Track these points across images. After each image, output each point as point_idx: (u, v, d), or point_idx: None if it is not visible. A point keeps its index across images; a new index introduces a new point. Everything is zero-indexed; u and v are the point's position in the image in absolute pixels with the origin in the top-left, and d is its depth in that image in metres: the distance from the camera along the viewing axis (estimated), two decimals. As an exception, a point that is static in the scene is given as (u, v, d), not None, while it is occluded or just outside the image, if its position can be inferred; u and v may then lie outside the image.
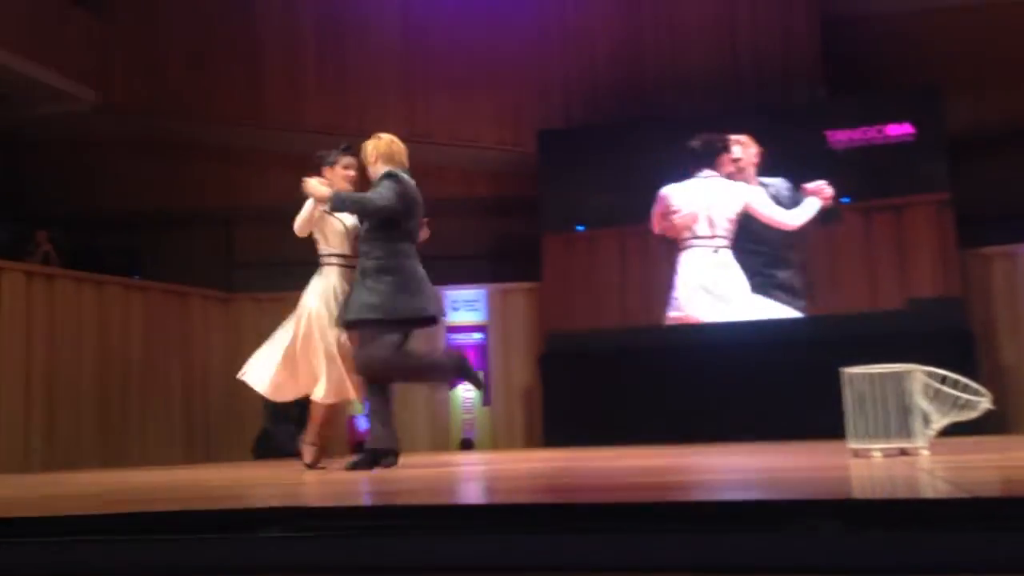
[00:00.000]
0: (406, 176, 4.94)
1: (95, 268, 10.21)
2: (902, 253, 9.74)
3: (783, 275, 9.72)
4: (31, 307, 8.98)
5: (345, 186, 5.14)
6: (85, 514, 2.01)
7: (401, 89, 11.58)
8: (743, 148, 9.77)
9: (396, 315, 4.72)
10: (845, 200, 9.72)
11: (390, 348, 4.72)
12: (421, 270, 4.89)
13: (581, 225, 10.51)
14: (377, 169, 5.01)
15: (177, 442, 10.23)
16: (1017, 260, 9.77)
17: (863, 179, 9.79)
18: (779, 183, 9.76)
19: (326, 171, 5.31)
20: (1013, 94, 10.39)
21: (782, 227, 9.62)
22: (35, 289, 9.08)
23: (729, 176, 9.73)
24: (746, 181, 9.74)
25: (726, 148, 9.75)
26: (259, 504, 2.25)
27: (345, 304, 4.91)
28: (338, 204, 4.84)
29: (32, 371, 8.90)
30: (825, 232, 9.74)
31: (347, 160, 5.32)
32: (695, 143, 9.80)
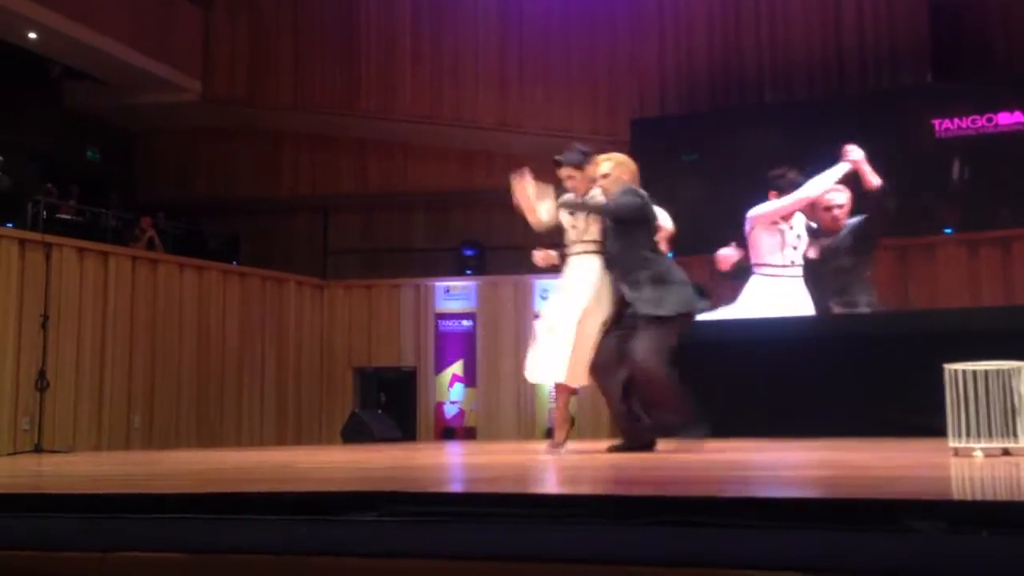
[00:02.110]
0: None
1: (197, 254, 10.54)
2: (1007, 247, 9.35)
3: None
4: (136, 291, 9.33)
5: (588, 187, 5.14)
6: (183, 492, 2.07)
7: (495, 79, 11.63)
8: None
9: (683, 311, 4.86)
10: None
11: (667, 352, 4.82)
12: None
13: (674, 217, 10.36)
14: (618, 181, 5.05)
15: (269, 424, 10.52)
16: None
17: (970, 169, 9.42)
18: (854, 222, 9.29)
19: (570, 170, 5.16)
20: None
21: (801, 204, 9.07)
22: (140, 273, 9.43)
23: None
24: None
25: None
26: (351, 488, 2.29)
27: (623, 297, 4.90)
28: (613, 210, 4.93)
29: (135, 353, 9.25)
30: (926, 225, 9.41)
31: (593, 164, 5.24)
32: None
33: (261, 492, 1.99)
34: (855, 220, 9.20)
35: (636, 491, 2.14)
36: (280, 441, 10.34)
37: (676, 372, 4.90)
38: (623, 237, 4.94)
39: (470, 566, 1.49)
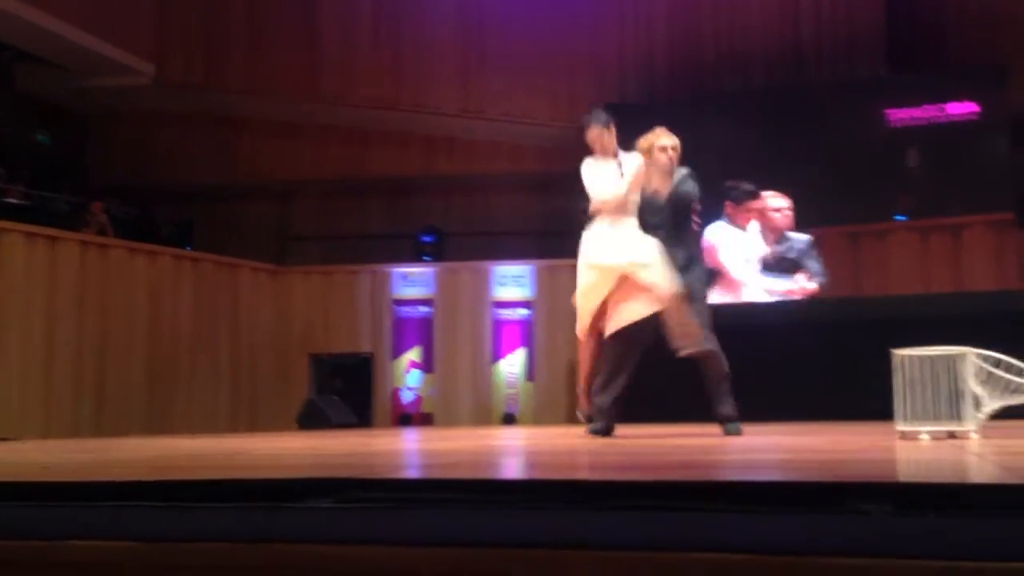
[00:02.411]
0: None
1: (149, 239, 10.39)
2: (958, 234, 9.54)
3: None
4: (85, 276, 9.18)
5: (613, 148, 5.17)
6: (135, 480, 2.05)
7: (456, 66, 11.59)
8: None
9: None
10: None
11: None
12: None
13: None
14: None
15: (223, 412, 10.42)
16: (1079, 243, 9.51)
17: (922, 158, 9.58)
18: (798, 239, 9.65)
19: (599, 128, 5.21)
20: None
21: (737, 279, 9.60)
22: (89, 259, 9.28)
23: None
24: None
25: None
26: (306, 474, 2.28)
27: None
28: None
29: (84, 339, 9.11)
30: (878, 212, 9.58)
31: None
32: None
33: (214, 479, 1.98)
34: (802, 241, 9.57)
35: (593, 476, 2.16)
36: (234, 428, 10.25)
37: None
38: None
39: (428, 553, 1.49)
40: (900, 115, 9.72)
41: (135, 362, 9.55)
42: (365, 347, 11.32)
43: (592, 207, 5.11)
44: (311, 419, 9.54)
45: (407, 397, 11.22)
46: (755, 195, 9.53)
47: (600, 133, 5.22)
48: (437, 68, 11.60)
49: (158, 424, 9.51)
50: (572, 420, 10.70)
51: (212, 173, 12.14)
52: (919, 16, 10.72)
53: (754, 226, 9.60)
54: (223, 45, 11.67)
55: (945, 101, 9.61)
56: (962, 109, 9.57)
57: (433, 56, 11.61)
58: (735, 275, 9.59)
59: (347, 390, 11.23)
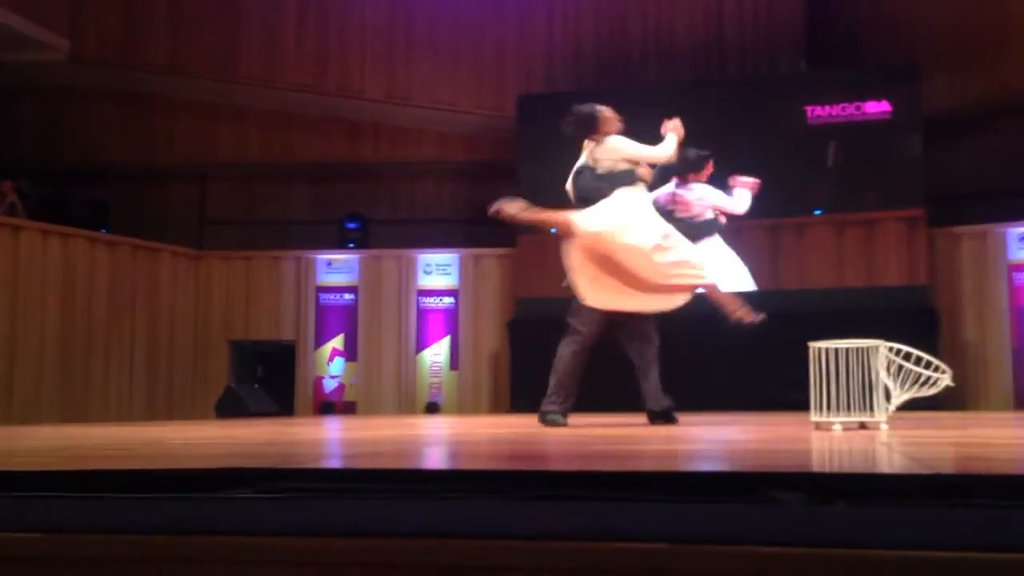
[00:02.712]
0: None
1: (62, 221, 10.08)
2: (871, 231, 9.83)
3: None
4: (-5, 258, 8.86)
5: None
6: (45, 470, 1.99)
7: (382, 51, 11.49)
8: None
9: None
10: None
11: None
12: None
13: (557, 194, 10.48)
14: None
15: (139, 399, 10.19)
16: (986, 239, 9.88)
17: (840, 154, 9.83)
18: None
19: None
20: (988, 74, 10.45)
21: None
22: None
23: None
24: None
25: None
26: (224, 464, 2.24)
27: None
28: None
29: (-6, 323, 8.79)
30: (796, 206, 9.79)
31: None
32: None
33: (130, 469, 1.93)
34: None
35: (516, 466, 2.17)
36: (150, 417, 10.02)
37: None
38: None
39: (349, 543, 1.48)
40: (819, 112, 9.96)
41: (47, 348, 9.26)
42: (287, 334, 11.17)
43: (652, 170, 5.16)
44: (230, 407, 9.38)
45: (330, 385, 11.11)
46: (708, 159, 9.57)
47: (613, 114, 5.24)
48: (363, 53, 11.47)
49: (72, 412, 9.24)
50: (496, 409, 10.75)
51: (128, 153, 11.81)
52: (837, 15, 10.99)
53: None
54: (141, 21, 11.35)
55: (862, 99, 9.88)
56: (878, 108, 9.85)
57: (359, 41, 11.48)
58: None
59: (268, 378, 11.07)
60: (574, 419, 5.17)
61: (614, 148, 5.10)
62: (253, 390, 10.02)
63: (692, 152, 5.63)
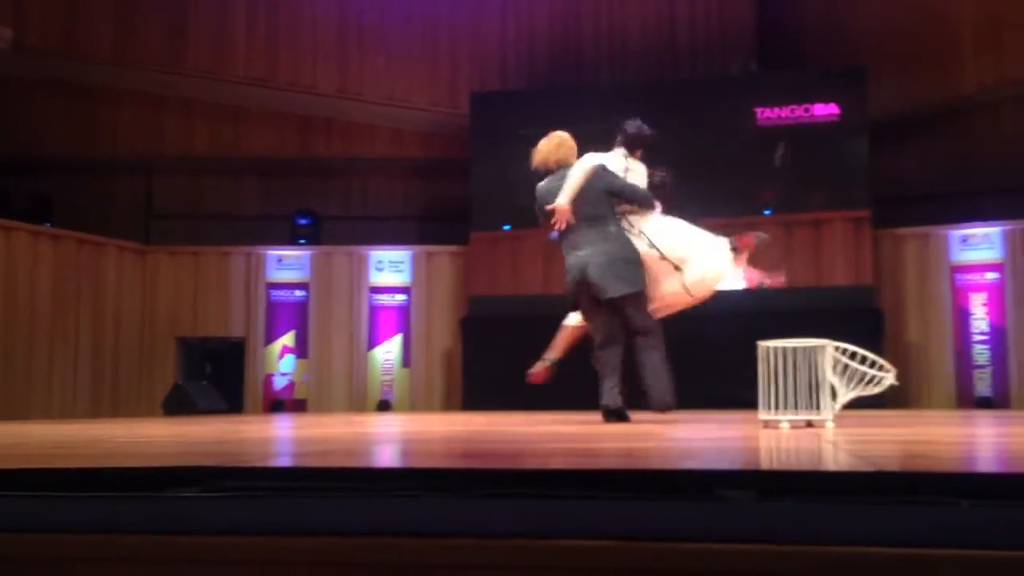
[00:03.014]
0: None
1: (3, 214, 9.85)
2: (819, 231, 9.98)
3: None
4: (-67, 252, 8.63)
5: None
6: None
7: (335, 45, 11.40)
8: None
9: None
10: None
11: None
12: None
13: (510, 192, 10.49)
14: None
15: (83, 397, 10.00)
16: (929, 241, 10.09)
17: (789, 155, 9.97)
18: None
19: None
20: (933, 79, 10.68)
21: None
22: (-62, 233, 8.72)
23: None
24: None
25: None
26: (171, 462, 2.21)
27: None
28: None
29: (-67, 318, 8.57)
30: (746, 206, 9.90)
31: None
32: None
33: (74, 468, 1.89)
34: None
35: (466, 464, 2.16)
36: (95, 415, 9.83)
37: None
38: None
39: (299, 542, 1.47)
40: (768, 114, 10.10)
41: (-13, 344, 9.04)
42: (237, 331, 11.03)
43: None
44: (178, 405, 9.24)
45: (280, 383, 11.00)
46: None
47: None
48: (315, 47, 11.37)
49: (13, 410, 9.03)
50: (449, 407, 10.73)
51: (72, 146, 11.56)
52: (787, 19, 11.14)
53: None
54: (86, 10, 11.12)
55: (811, 102, 10.03)
56: (826, 110, 10.01)
57: (311, 34, 11.37)
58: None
59: (217, 375, 10.92)
60: (525, 417, 5.18)
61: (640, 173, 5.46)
62: (201, 387, 9.88)
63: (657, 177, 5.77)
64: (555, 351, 5.63)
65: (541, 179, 5.49)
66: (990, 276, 9.79)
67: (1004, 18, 10.38)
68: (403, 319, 11.03)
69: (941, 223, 10.04)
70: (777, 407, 3.90)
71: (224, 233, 11.42)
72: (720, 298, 9.73)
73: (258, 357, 11.00)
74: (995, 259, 9.78)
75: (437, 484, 1.60)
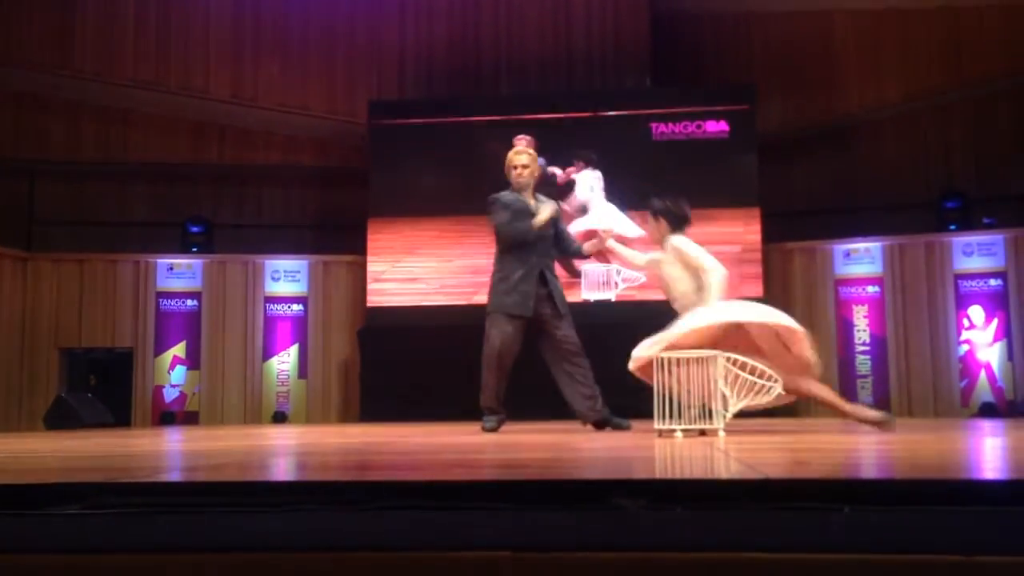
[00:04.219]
0: (504, 194, 5.42)
1: None
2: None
3: None
4: None
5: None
6: None
7: (228, 49, 11.17)
8: None
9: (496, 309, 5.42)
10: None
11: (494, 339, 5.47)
12: (520, 272, 5.35)
13: (408, 202, 10.46)
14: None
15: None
16: (815, 255, 10.48)
17: (678, 172, 10.20)
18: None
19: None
20: (817, 98, 11.11)
21: None
22: None
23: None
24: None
25: None
26: (53, 479, 2.12)
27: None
28: None
29: None
30: (639, 219, 10.11)
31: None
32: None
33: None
34: None
35: (361, 477, 2.14)
36: (-29, 428, 9.36)
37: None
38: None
39: (188, 559, 1.43)
40: (663, 129, 10.34)
41: None
42: (125, 341, 10.66)
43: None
44: (61, 418, 8.86)
45: (170, 395, 10.67)
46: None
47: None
48: (208, 51, 11.11)
49: None
50: (346, 419, 10.59)
51: (-53, 147, 11.01)
52: (681, 35, 11.42)
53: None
54: (-38, 6, 10.62)
55: (703, 119, 10.31)
56: (716, 127, 10.30)
57: (204, 38, 11.11)
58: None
59: (103, 387, 10.53)
60: (422, 428, 5.15)
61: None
62: (86, 400, 9.51)
63: None
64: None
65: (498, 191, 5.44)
66: (871, 289, 10.22)
67: (885, 43, 10.89)
68: (299, 329, 10.85)
69: (826, 238, 10.43)
70: (671, 417, 3.98)
71: (112, 240, 11.03)
72: (605, 308, 9.94)
73: (147, 368, 10.65)
74: (876, 273, 10.22)
75: (333, 497, 1.58)
